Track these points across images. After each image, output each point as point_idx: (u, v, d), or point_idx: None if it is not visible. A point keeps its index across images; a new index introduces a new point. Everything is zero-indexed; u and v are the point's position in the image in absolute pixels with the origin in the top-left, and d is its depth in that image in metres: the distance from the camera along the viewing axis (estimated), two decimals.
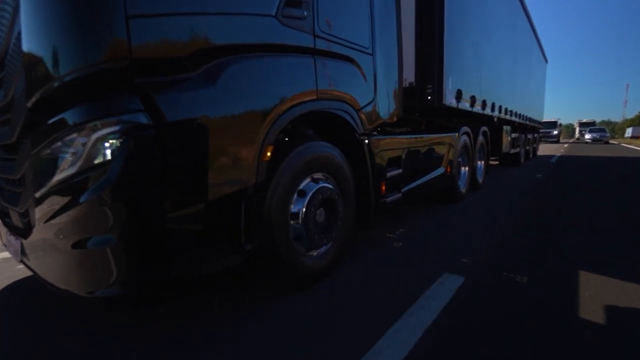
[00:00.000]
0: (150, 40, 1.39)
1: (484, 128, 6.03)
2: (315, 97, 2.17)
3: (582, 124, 40.35)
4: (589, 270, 2.42)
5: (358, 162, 2.65)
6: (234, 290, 2.17)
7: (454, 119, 5.54)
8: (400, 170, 3.23)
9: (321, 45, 2.22)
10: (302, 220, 2.09)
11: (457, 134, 4.65)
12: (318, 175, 2.27)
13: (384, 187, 2.95)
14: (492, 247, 2.95)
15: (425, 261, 2.64)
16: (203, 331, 1.73)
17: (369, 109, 2.74)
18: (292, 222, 2.06)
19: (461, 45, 4.53)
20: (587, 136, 30.07)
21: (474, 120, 6.00)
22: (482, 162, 6.12)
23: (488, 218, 4.03)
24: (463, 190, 5.02)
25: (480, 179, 5.89)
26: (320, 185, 2.20)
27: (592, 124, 38.95)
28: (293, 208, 2.07)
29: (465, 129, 5.03)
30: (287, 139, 2.19)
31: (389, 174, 3.04)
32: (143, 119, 1.35)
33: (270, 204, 1.90)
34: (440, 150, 4.25)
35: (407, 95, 3.94)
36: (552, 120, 27.77)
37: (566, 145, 23.40)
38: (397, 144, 3.23)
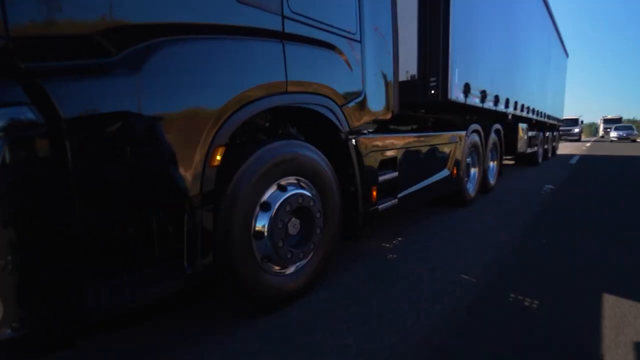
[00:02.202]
0: (44, 13, 1.09)
1: (497, 126, 5.56)
2: (284, 90, 1.85)
3: (606, 121, 36.73)
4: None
5: (345, 165, 2.32)
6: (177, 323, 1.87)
7: (465, 115, 5.11)
8: (395, 174, 2.87)
9: (292, 28, 1.89)
10: (268, 234, 1.77)
11: (464, 133, 4.23)
12: (290, 180, 1.95)
13: (375, 193, 2.60)
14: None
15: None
16: None
17: (356, 104, 2.39)
18: (255, 239, 1.74)
19: (470, 33, 4.10)
20: (612, 134, 28.30)
21: (487, 117, 5.57)
22: (495, 162, 5.65)
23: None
24: (472, 193, 4.58)
25: (492, 181, 5.43)
26: (291, 193, 1.88)
27: (618, 120, 35.73)
28: (256, 222, 1.75)
29: (475, 126, 4.60)
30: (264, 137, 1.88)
31: (381, 178, 2.68)
32: (29, 114, 1.05)
33: (226, 217, 1.59)
34: (445, 150, 3.84)
35: (408, 89, 3.58)
36: (573, 117, 26.54)
37: (588, 144, 22.26)
38: (391, 144, 2.86)
